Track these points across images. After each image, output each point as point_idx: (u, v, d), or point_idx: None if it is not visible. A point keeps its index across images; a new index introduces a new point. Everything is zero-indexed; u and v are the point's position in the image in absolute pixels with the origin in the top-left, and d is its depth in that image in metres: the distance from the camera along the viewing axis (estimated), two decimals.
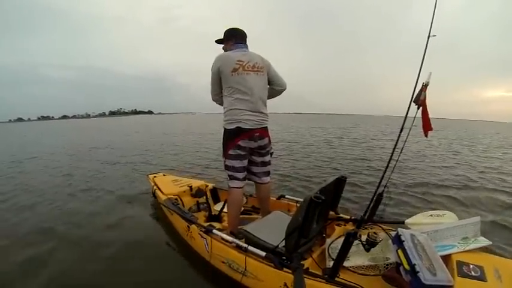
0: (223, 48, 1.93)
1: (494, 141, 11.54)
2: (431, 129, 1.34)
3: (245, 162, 1.91)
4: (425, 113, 1.34)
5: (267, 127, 1.88)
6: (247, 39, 1.90)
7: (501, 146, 9.58)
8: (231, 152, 1.82)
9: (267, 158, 2.00)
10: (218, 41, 1.93)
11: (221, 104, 1.92)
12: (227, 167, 1.87)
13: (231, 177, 1.87)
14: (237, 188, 1.87)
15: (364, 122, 31.01)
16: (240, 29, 1.89)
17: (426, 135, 1.39)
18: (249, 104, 1.75)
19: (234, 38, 1.86)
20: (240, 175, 1.87)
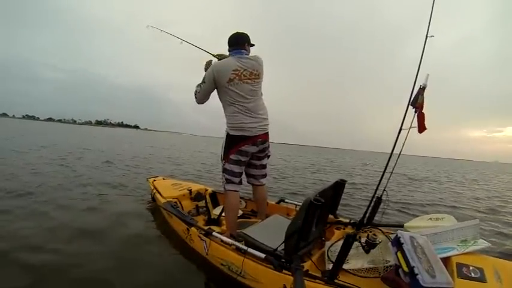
0: None
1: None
2: (425, 128, 1.37)
3: (243, 168, 1.93)
4: (421, 115, 1.37)
5: (268, 132, 1.91)
6: (249, 40, 1.87)
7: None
8: (232, 156, 1.84)
9: (265, 161, 2.03)
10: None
11: (201, 103, 1.91)
12: (225, 170, 1.87)
13: (228, 181, 1.87)
14: (233, 191, 1.88)
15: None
16: (238, 34, 1.86)
17: (420, 132, 1.41)
18: (251, 112, 1.79)
19: (232, 45, 1.86)
20: (237, 180, 1.89)
